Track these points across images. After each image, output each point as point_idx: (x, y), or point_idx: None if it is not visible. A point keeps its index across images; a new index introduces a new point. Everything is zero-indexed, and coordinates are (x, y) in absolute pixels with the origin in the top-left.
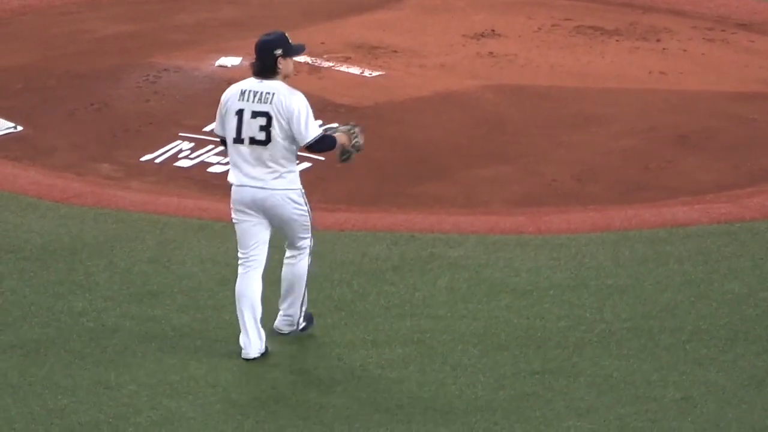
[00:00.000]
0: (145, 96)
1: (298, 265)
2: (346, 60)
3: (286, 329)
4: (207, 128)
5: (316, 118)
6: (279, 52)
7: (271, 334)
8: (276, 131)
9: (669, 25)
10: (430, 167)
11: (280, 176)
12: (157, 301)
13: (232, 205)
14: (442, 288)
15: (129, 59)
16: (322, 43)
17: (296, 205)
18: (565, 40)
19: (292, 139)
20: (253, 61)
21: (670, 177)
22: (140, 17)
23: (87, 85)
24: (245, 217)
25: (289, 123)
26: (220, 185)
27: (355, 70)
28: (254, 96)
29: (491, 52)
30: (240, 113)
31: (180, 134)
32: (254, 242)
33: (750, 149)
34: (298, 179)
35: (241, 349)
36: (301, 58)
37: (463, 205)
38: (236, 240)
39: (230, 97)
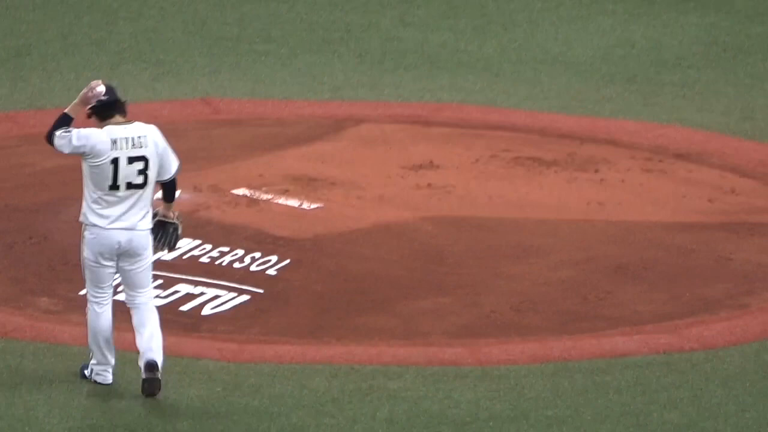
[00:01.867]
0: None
1: (153, 307)
2: (285, 192)
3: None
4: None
5: (255, 250)
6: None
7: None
8: (152, 173)
9: (607, 156)
10: (369, 299)
11: (144, 217)
12: None
13: (90, 249)
14: (382, 420)
15: (69, 192)
16: (261, 175)
17: (149, 242)
18: (503, 171)
19: (156, 176)
20: (104, 103)
21: (608, 307)
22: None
23: (26, 218)
24: (104, 262)
25: (161, 160)
26: (163, 319)
27: (293, 202)
28: (127, 143)
29: (429, 184)
30: (115, 162)
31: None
32: (108, 284)
33: (689, 279)
34: None
35: (93, 380)
36: (239, 190)
37: (402, 336)
38: (86, 278)
39: (101, 144)
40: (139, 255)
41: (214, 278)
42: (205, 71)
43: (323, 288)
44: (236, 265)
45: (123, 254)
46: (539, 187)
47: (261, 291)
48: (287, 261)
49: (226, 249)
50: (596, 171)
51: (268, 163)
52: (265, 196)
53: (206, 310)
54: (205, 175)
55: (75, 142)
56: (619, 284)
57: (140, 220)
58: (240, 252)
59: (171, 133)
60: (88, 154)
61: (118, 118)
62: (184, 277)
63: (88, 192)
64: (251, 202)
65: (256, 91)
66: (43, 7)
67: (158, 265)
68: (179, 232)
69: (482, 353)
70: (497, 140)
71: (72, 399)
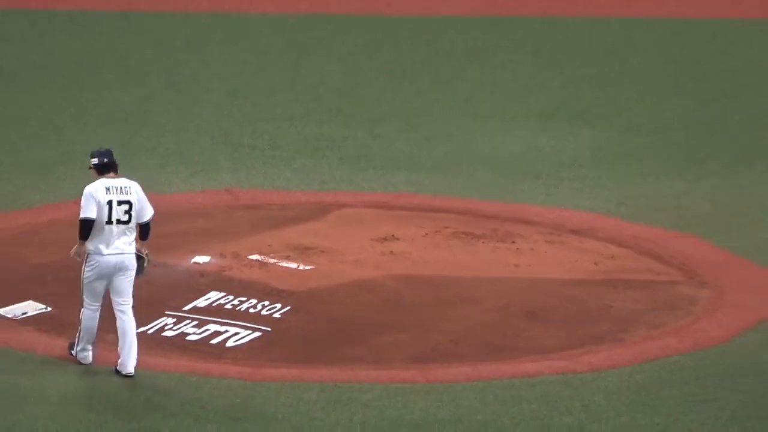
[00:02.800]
0: (140, 284)
1: (130, 313)
2: (286, 257)
3: (131, 369)
4: (186, 307)
5: (265, 299)
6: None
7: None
8: (134, 213)
9: (520, 231)
10: (348, 335)
11: (131, 244)
12: None
13: (91, 269)
14: (357, 423)
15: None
16: (269, 245)
17: (135, 263)
18: (445, 242)
19: (137, 217)
20: (102, 164)
21: (522, 341)
22: None
23: None
24: (101, 280)
25: (140, 206)
26: (197, 350)
27: (293, 264)
28: (117, 190)
29: (392, 251)
30: (110, 203)
31: (166, 312)
32: (100, 296)
33: (580, 321)
34: None
35: (77, 359)
36: (253, 256)
37: (372, 362)
38: (84, 291)
39: (99, 193)
40: (127, 270)
41: (234, 320)
42: (229, 169)
43: (314, 327)
44: (251, 310)
45: (116, 272)
46: (471, 253)
47: (269, 329)
48: (288, 308)
49: (243, 298)
50: (513, 242)
51: (274, 236)
52: (272, 260)
53: (229, 343)
54: (228, 245)
55: (87, 204)
56: (530, 324)
57: (128, 246)
58: (254, 301)
59: (203, 215)
60: (97, 203)
61: (111, 174)
62: (213, 319)
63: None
64: (262, 264)
65: (266, 184)
66: (109, 123)
67: (194, 310)
68: (146, 264)
69: (430, 374)
70: (441, 220)
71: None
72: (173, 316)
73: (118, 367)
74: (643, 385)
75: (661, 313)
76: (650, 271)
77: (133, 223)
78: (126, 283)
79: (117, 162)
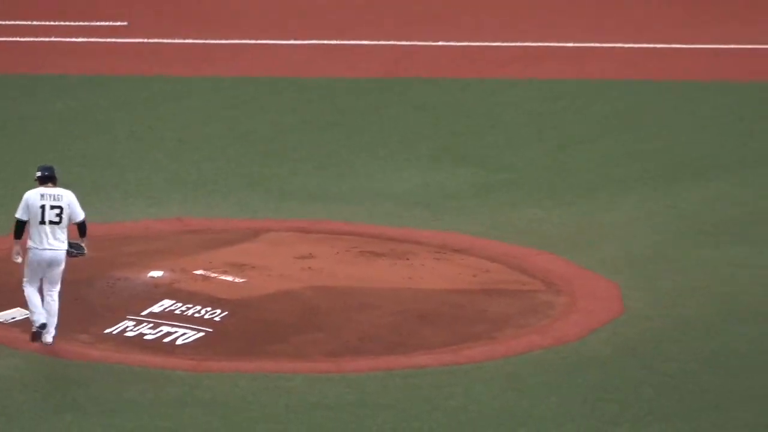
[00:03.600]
0: (106, 294)
1: (56, 300)
2: (224, 272)
3: (50, 339)
4: (143, 312)
5: (207, 306)
6: (55, 173)
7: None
8: (65, 216)
9: (413, 251)
10: (274, 335)
11: (63, 241)
12: None
13: (32, 259)
14: (282, 405)
15: (97, 273)
16: (210, 262)
17: (65, 258)
18: (353, 259)
19: (69, 219)
20: (43, 176)
21: (415, 339)
22: (102, 248)
23: (70, 286)
24: (40, 268)
25: (71, 210)
26: (153, 347)
27: (229, 278)
28: (50, 197)
29: (310, 267)
30: (42, 207)
31: (127, 316)
32: (38, 278)
33: (462, 323)
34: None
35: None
36: (198, 271)
37: (294, 356)
38: (26, 273)
39: (34, 198)
40: (58, 264)
41: (183, 322)
42: (178, 201)
43: (247, 328)
44: (196, 315)
45: (50, 264)
46: (374, 269)
47: (211, 330)
48: (226, 312)
49: (190, 305)
50: (407, 259)
51: (214, 255)
52: (212, 275)
53: (179, 341)
54: (178, 262)
55: (21, 207)
56: (421, 325)
57: (60, 242)
58: (198, 307)
59: (157, 238)
60: (30, 206)
61: (49, 185)
62: (165, 322)
63: (30, 229)
64: (205, 278)
65: (208, 213)
66: (81, 164)
67: (150, 315)
68: (84, 252)
69: (341, 366)
70: (349, 241)
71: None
72: (133, 320)
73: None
74: (513, 374)
75: (526, 315)
76: (518, 282)
77: (64, 224)
78: (56, 275)
79: (56, 176)
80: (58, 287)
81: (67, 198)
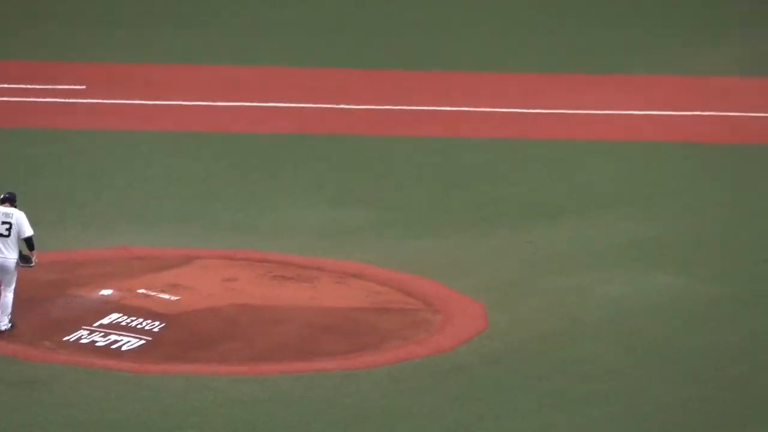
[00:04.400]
0: (63, 307)
1: (10, 296)
2: (162, 291)
3: (2, 327)
4: (95, 324)
5: (148, 318)
6: (14, 197)
7: None
8: (13, 231)
9: (318, 275)
10: (203, 343)
11: (13, 252)
12: None
13: None
14: (208, 401)
15: (58, 291)
16: (151, 283)
17: (16, 266)
18: (269, 282)
19: (18, 235)
20: (3, 198)
21: (320, 348)
22: (62, 271)
23: (36, 302)
24: None
25: (19, 227)
26: (103, 352)
27: (166, 296)
28: (3, 215)
29: (233, 288)
30: None
31: (82, 327)
32: None
33: (360, 334)
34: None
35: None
36: (141, 290)
37: (219, 361)
38: None
39: None
40: (9, 272)
41: (128, 332)
42: (125, 233)
43: (180, 338)
44: (139, 326)
45: (2, 270)
46: (286, 290)
47: (151, 339)
48: (163, 324)
49: (134, 318)
50: (312, 282)
51: (154, 277)
52: (152, 293)
53: (124, 348)
54: (124, 283)
55: None
56: (325, 337)
57: (9, 252)
58: (141, 319)
59: (107, 263)
60: None
61: (7, 204)
62: (114, 331)
63: None
64: (146, 296)
65: (151, 243)
66: (43, 206)
67: (101, 326)
68: (32, 263)
69: (258, 369)
70: (266, 267)
71: None
72: (87, 330)
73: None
74: (397, 377)
75: (409, 330)
76: (403, 302)
77: (12, 237)
78: (9, 279)
79: (15, 200)
80: (11, 287)
81: (16, 216)
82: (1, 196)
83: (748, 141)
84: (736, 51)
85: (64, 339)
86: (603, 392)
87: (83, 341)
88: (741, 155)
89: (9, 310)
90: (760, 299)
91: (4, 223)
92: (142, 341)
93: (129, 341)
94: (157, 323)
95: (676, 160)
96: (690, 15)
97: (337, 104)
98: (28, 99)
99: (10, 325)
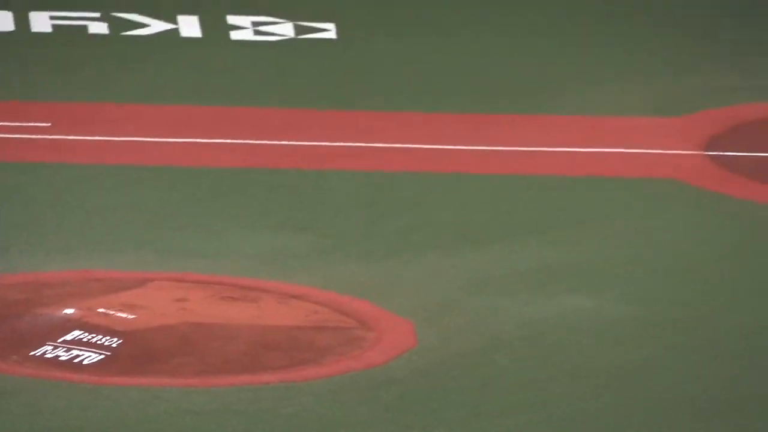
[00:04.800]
0: (31, 325)
1: None
2: (120, 310)
3: None
4: (59, 340)
5: (107, 335)
6: None
7: None
8: None
9: (262, 297)
10: (157, 358)
11: None
12: None
13: None
14: (162, 412)
15: (24, 310)
16: (109, 303)
17: None
18: (217, 303)
19: None
20: None
21: (263, 362)
22: (28, 292)
23: (0, 319)
24: None
25: None
26: (66, 366)
27: (123, 314)
28: None
29: (184, 308)
30: None
31: (46, 342)
32: None
33: (297, 349)
34: None
35: None
36: (101, 309)
37: (171, 375)
38: None
39: None
40: None
41: (88, 348)
42: (88, 258)
43: (136, 353)
44: (98, 341)
45: None
46: (233, 309)
47: (109, 353)
48: (121, 340)
49: (94, 335)
50: (257, 303)
51: (113, 297)
52: (111, 312)
53: (85, 362)
54: (85, 303)
55: None
56: (267, 353)
57: None
58: (101, 336)
59: (69, 285)
60: None
61: None
62: (75, 347)
63: None
64: (105, 315)
65: (110, 267)
66: (15, 229)
67: (63, 342)
68: None
69: (207, 382)
70: (215, 289)
71: None
72: (51, 345)
73: None
74: (333, 390)
75: (344, 346)
76: (339, 321)
77: None
78: None
79: None
80: None
81: None
82: None
83: (652, 175)
84: (649, 93)
85: (30, 353)
86: (522, 403)
87: (48, 356)
88: (646, 189)
89: None
90: (663, 320)
91: None
92: (102, 356)
93: (90, 356)
94: (115, 339)
95: (590, 192)
96: (601, 60)
97: (279, 141)
98: None
99: None
